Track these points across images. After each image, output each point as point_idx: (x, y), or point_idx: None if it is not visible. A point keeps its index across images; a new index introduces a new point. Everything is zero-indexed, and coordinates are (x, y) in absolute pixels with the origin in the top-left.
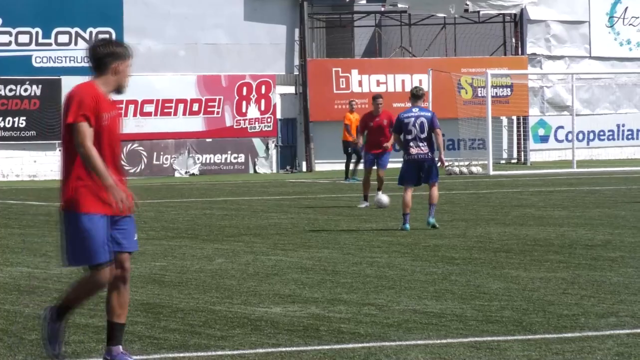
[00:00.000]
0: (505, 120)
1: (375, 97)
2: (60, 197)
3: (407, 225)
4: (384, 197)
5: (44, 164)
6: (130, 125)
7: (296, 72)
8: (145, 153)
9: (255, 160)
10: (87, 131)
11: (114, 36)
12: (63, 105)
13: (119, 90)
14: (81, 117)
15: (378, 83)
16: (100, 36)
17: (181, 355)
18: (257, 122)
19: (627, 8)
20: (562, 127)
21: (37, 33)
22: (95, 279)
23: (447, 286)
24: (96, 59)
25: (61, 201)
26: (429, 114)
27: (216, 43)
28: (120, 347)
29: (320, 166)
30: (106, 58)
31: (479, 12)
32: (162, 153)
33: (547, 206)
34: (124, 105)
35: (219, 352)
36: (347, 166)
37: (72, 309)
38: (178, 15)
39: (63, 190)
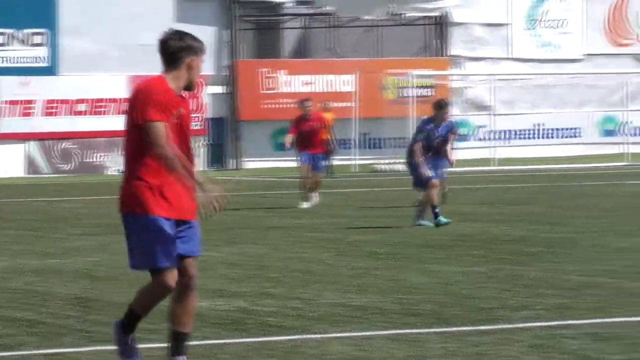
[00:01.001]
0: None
1: (303, 100)
2: (122, 198)
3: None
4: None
5: None
6: (64, 124)
7: (226, 73)
8: (78, 151)
9: None
10: (162, 130)
11: (48, 37)
12: (130, 101)
13: (189, 87)
14: (157, 116)
15: (305, 84)
16: (36, 37)
17: (113, 348)
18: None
19: (546, 11)
20: (483, 126)
21: None
22: (159, 284)
23: (370, 280)
24: (169, 53)
25: (124, 203)
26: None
27: (148, 44)
28: (185, 357)
29: (248, 164)
30: (180, 52)
31: (403, 14)
32: (94, 151)
33: (469, 203)
34: (56, 105)
35: (150, 345)
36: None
37: (140, 318)
38: (111, 17)
39: (126, 191)
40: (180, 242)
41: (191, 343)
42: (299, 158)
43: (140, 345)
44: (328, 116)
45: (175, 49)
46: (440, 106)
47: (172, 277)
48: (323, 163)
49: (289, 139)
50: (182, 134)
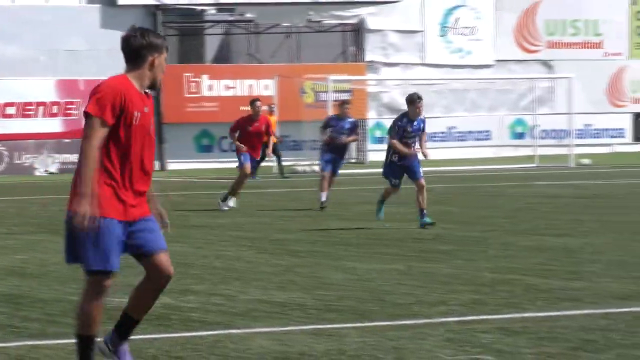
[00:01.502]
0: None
1: (254, 101)
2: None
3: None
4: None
5: None
6: None
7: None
8: (7, 153)
9: None
10: (97, 125)
11: None
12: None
13: (153, 85)
14: (96, 110)
15: (227, 88)
16: None
17: (40, 342)
18: None
19: (458, 18)
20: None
21: None
22: (103, 286)
23: (290, 277)
24: (132, 51)
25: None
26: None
27: (75, 49)
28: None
29: (172, 165)
30: (143, 50)
31: (321, 22)
32: (23, 153)
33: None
34: None
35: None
36: (279, 165)
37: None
38: (39, 23)
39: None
40: (143, 238)
41: None
42: (240, 159)
43: (67, 341)
44: (272, 119)
45: (138, 47)
46: (412, 100)
47: (110, 281)
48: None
49: (234, 139)
50: (145, 136)
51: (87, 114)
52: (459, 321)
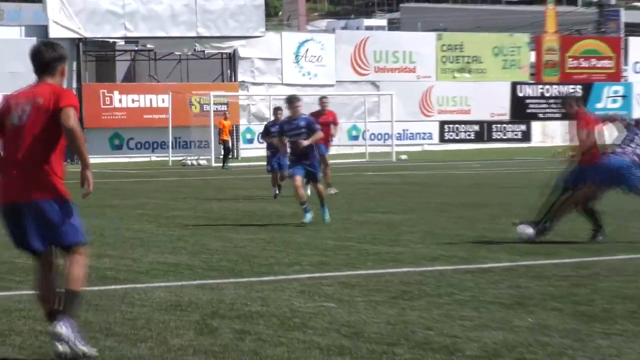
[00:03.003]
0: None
1: (321, 97)
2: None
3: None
4: None
5: None
6: None
7: (74, 92)
8: None
9: None
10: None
11: None
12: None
13: None
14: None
15: (133, 101)
16: None
17: None
18: None
19: (307, 49)
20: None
21: None
22: (86, 254)
23: (181, 245)
24: (45, 62)
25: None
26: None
27: (16, 71)
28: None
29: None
30: (55, 61)
31: (204, 51)
32: None
33: (252, 187)
34: None
35: (19, 292)
36: (224, 159)
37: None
38: None
39: (43, 180)
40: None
41: None
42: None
43: (12, 293)
44: (227, 123)
45: (51, 59)
46: (290, 101)
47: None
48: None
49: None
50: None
51: (73, 107)
52: (309, 277)
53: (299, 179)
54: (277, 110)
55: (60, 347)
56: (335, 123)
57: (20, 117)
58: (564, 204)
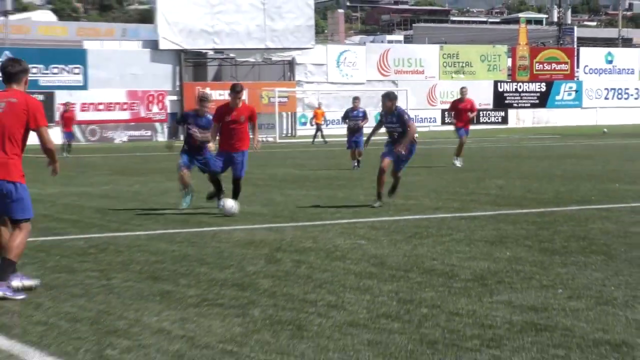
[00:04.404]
0: (284, 115)
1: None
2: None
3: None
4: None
5: None
6: None
7: (178, 89)
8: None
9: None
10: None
11: None
12: (34, 109)
13: None
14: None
15: (219, 95)
16: None
17: None
18: (157, 115)
19: (345, 57)
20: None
21: None
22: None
23: (254, 198)
24: (12, 74)
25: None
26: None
27: (136, 73)
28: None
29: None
30: (20, 74)
31: (270, 58)
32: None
33: (307, 158)
34: None
35: (138, 233)
36: (314, 136)
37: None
38: (117, 59)
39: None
40: None
41: None
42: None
43: None
44: (319, 111)
45: (17, 71)
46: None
47: None
48: None
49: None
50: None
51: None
52: (347, 222)
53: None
54: (355, 99)
55: None
56: (472, 110)
57: None
58: None
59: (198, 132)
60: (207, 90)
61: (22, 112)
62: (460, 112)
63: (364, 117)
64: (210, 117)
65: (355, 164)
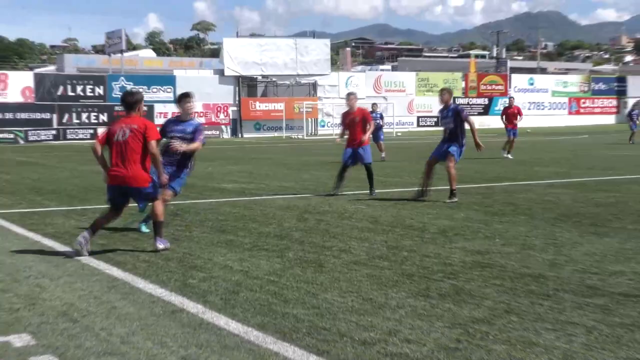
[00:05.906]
0: (309, 120)
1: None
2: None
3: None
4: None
5: None
6: None
7: (237, 102)
8: None
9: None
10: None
11: None
12: (148, 127)
13: None
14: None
15: (266, 106)
16: None
17: None
18: (222, 120)
19: (351, 80)
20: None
21: None
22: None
23: (289, 177)
24: (131, 103)
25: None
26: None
27: (209, 93)
28: None
29: (245, 136)
30: (137, 103)
31: (299, 81)
32: None
33: (325, 148)
34: None
35: (209, 200)
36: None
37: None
38: (192, 83)
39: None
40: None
41: None
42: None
43: None
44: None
45: (135, 101)
46: (181, 98)
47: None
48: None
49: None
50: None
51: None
52: (353, 193)
53: None
54: (373, 104)
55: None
56: (519, 114)
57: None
58: None
59: (177, 144)
60: (258, 103)
61: (141, 135)
62: (509, 116)
63: (381, 117)
64: (197, 122)
65: (383, 155)
